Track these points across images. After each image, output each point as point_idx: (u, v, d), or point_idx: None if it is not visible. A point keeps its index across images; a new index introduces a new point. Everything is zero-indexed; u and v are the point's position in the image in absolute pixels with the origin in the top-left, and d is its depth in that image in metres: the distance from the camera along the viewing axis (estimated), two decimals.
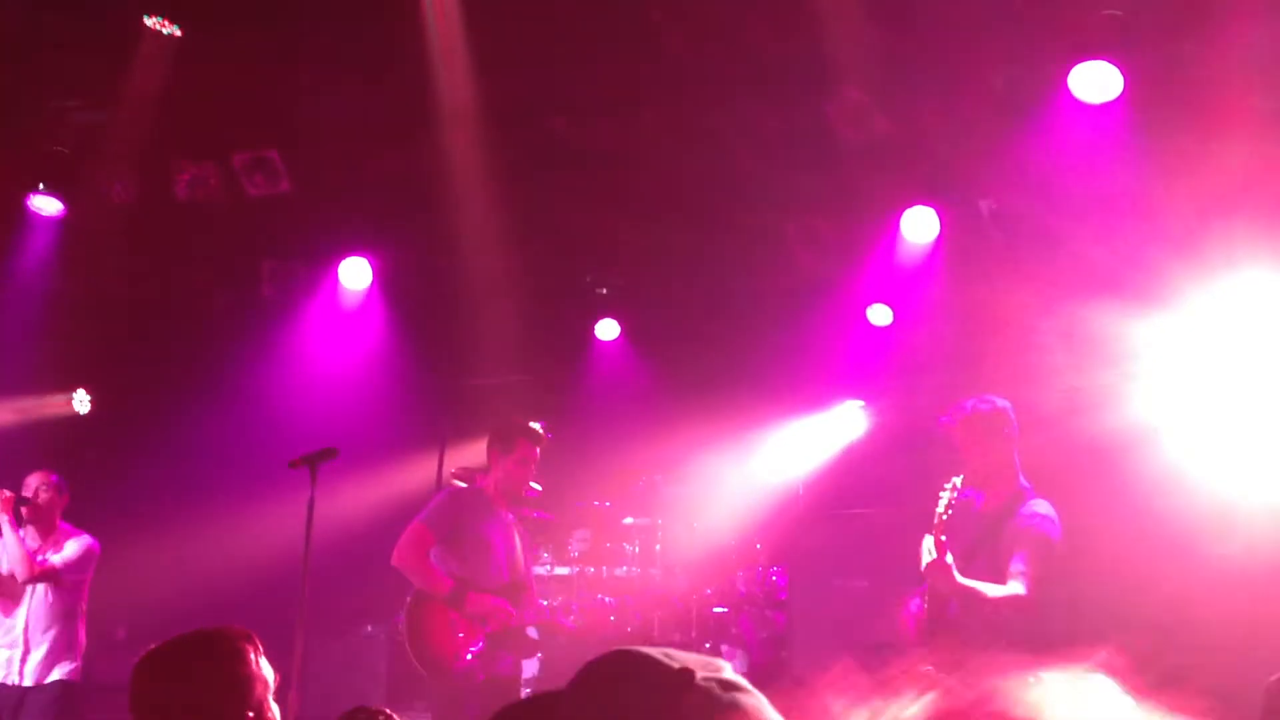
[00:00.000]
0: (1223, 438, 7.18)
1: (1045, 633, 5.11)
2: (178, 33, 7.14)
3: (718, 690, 1.15)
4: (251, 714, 2.59)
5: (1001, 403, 5.41)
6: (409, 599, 6.05)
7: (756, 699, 1.16)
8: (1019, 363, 7.86)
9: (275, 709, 2.67)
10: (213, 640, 2.66)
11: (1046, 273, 7.48)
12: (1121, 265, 7.22)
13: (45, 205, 8.32)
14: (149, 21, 7.10)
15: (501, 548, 6.09)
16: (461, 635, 5.88)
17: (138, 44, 7.24)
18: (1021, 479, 5.33)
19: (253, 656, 2.65)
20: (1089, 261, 7.37)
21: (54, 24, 6.91)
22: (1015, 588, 4.98)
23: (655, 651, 1.18)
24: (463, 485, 8.25)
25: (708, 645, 8.73)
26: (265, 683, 2.66)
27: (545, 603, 6.42)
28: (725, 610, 8.85)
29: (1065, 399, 7.68)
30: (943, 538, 4.95)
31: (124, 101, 7.61)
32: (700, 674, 1.15)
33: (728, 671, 1.17)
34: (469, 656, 5.87)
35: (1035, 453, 7.51)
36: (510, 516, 6.30)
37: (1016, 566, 5.03)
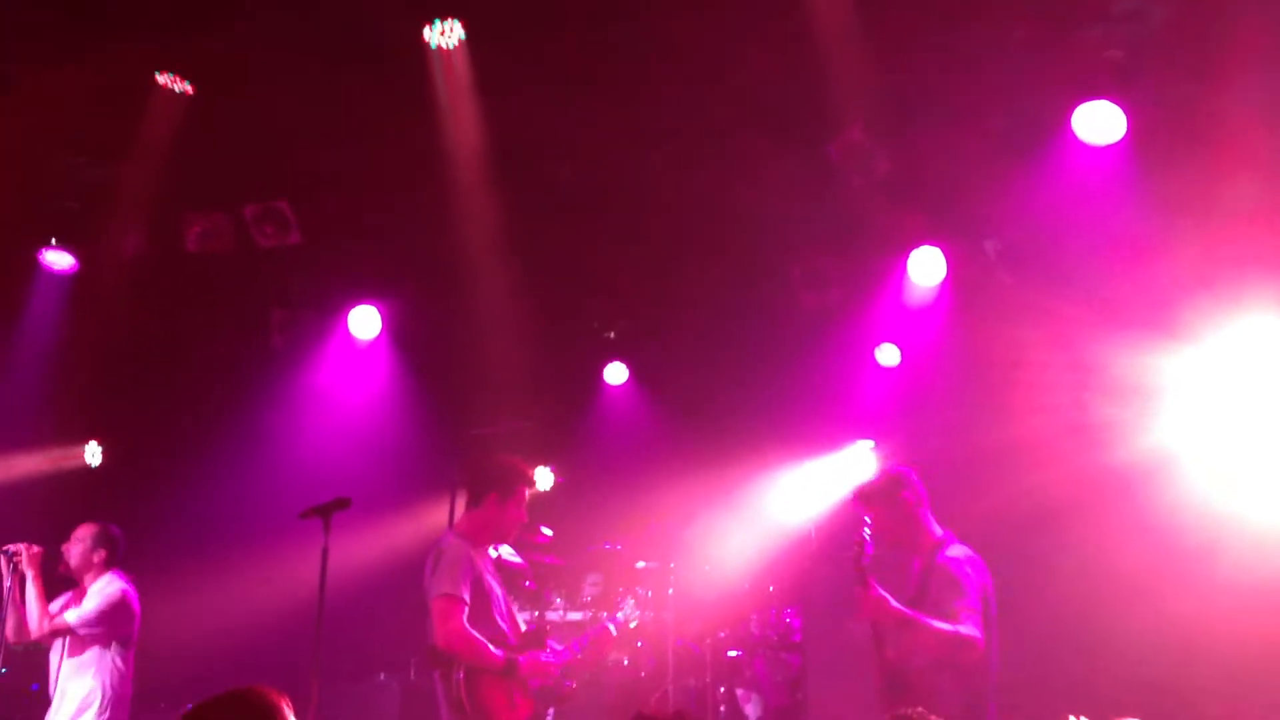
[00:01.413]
0: (1233, 468, 7.18)
1: (1002, 679, 5.20)
2: (189, 90, 7.23)
3: None
4: None
5: (896, 469, 5.75)
6: (456, 672, 5.64)
7: None
8: (1028, 400, 7.87)
9: None
10: (253, 701, 2.67)
11: (1053, 311, 7.51)
12: (1128, 303, 7.24)
13: (57, 260, 8.40)
14: (160, 78, 7.20)
15: (496, 593, 5.97)
16: (519, 702, 5.77)
17: (149, 99, 7.34)
18: (935, 531, 5.50)
19: (289, 714, 2.66)
20: (1095, 300, 7.40)
21: (64, 80, 7.01)
22: (958, 626, 5.08)
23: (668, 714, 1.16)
24: (452, 537, 8.19)
25: (723, 689, 8.68)
26: None
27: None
28: (739, 653, 8.80)
29: (1075, 434, 7.68)
30: (864, 566, 5.17)
31: (135, 155, 7.70)
32: None
33: None
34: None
35: (1048, 488, 7.52)
36: (488, 560, 6.13)
37: (944, 609, 5.16)
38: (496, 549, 6.34)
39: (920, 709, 3.30)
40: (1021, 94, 6.78)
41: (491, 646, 5.65)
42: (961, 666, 5.10)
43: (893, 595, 5.21)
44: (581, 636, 6.30)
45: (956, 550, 5.38)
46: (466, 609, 5.63)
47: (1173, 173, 6.59)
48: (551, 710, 6.09)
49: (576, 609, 9.09)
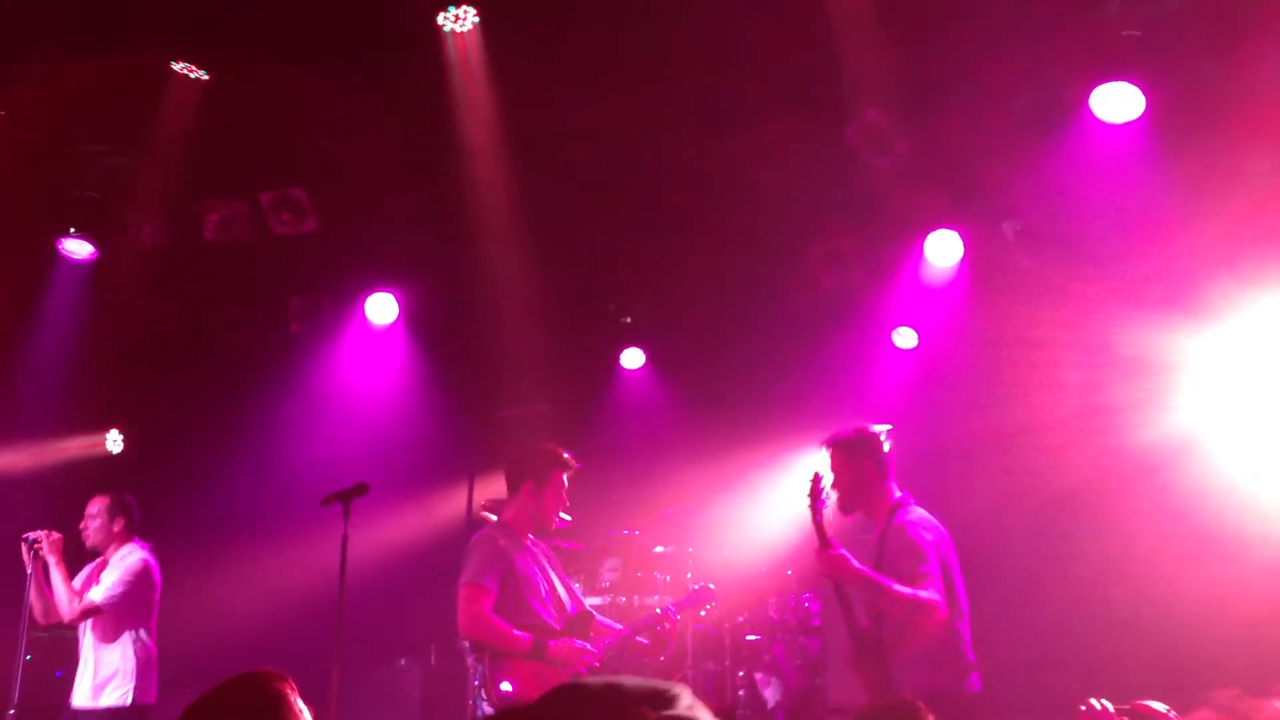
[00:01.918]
0: (1254, 448, 7.15)
1: (1021, 658, 5.14)
2: (205, 77, 7.24)
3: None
4: None
5: (870, 429, 5.65)
6: (487, 659, 5.69)
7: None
8: (1046, 381, 7.84)
9: None
10: (258, 683, 2.67)
11: (1072, 292, 7.47)
12: (1147, 282, 7.20)
13: (76, 248, 8.44)
14: (177, 66, 7.21)
15: (542, 581, 5.96)
16: (548, 682, 5.73)
17: (165, 88, 7.36)
18: (894, 495, 5.41)
19: (294, 699, 2.66)
20: (1114, 280, 7.35)
21: (82, 68, 7.03)
22: (917, 590, 5.02)
23: (599, 683, 1.12)
24: (491, 519, 8.25)
25: (741, 673, 8.69)
26: (304, 718, 2.67)
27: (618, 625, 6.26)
28: (758, 637, 8.81)
29: (1094, 415, 7.65)
30: (819, 522, 5.13)
31: (152, 144, 7.72)
32: (656, 712, 1.10)
33: (684, 704, 1.12)
34: None
35: (1067, 469, 7.51)
36: (541, 546, 6.15)
37: (902, 572, 5.08)
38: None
39: (915, 701, 3.26)
40: (1040, 73, 6.73)
41: (515, 630, 5.64)
42: (925, 631, 5.02)
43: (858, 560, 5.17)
44: (643, 619, 6.27)
45: (914, 514, 5.30)
46: (491, 597, 5.63)
47: (1192, 151, 6.53)
48: None
49: (595, 594, 9.11)
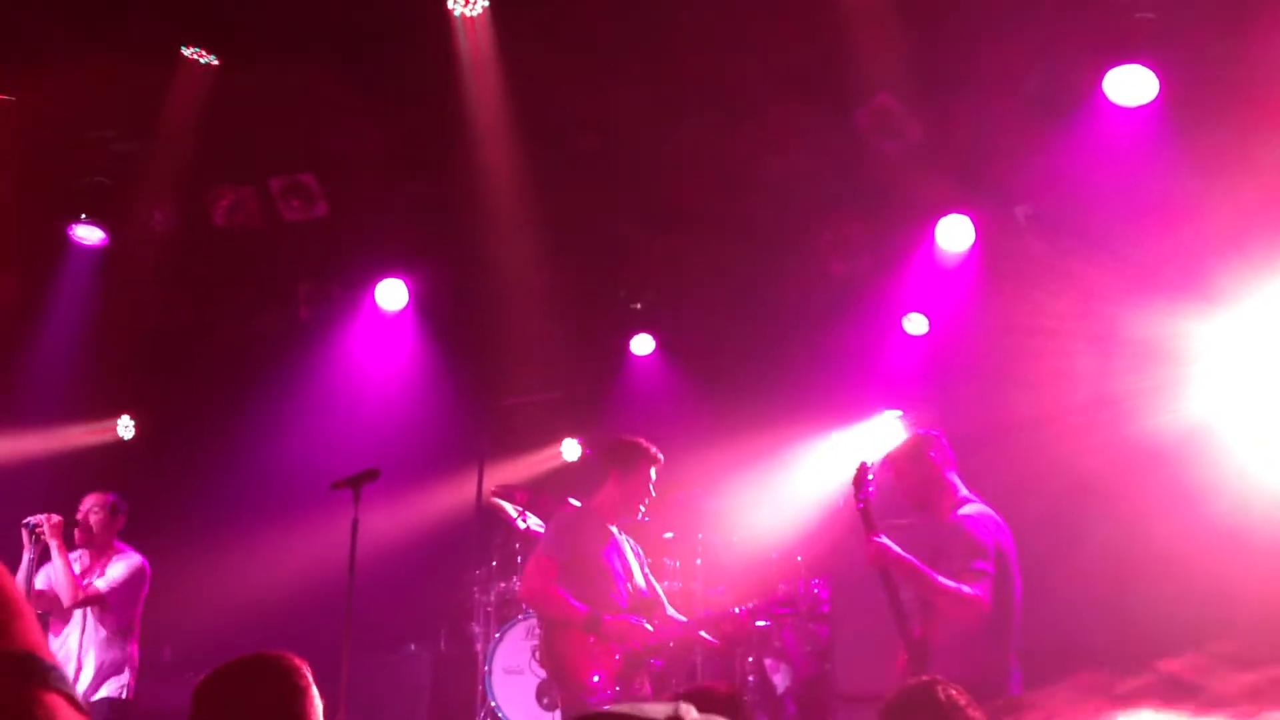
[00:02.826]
0: (1267, 435, 7.10)
1: (1031, 646, 5.15)
2: (215, 62, 7.24)
3: None
4: None
5: (924, 431, 5.75)
6: (543, 627, 6.07)
7: None
8: (1058, 368, 7.80)
9: None
10: (270, 666, 2.67)
11: (1084, 277, 7.43)
12: (1162, 268, 7.15)
13: (87, 235, 8.45)
14: (187, 52, 7.20)
15: (618, 567, 6.14)
16: (601, 658, 5.91)
17: (175, 74, 7.35)
18: (960, 491, 5.46)
19: (308, 683, 2.66)
20: (1127, 265, 7.31)
21: (92, 55, 7.02)
22: (961, 584, 5.04)
23: (627, 708, 1.17)
24: (502, 505, 8.28)
25: (751, 659, 8.69)
26: (320, 706, 2.67)
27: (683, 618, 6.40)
28: (768, 623, 8.80)
29: (1106, 402, 7.61)
30: (868, 513, 5.21)
31: (162, 130, 7.72)
32: None
33: (694, 713, 1.17)
34: (595, 680, 5.87)
35: (1078, 456, 7.47)
36: (623, 535, 6.35)
37: (953, 565, 5.12)
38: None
39: (939, 678, 3.27)
40: (1052, 57, 6.68)
41: (574, 601, 5.86)
42: (965, 626, 5.04)
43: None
44: (705, 614, 6.52)
45: (971, 508, 5.33)
46: (556, 568, 5.94)
47: (1205, 135, 6.48)
48: (648, 682, 6.14)
49: None
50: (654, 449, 6.31)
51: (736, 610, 6.41)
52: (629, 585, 6.14)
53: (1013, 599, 5.22)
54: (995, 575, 5.10)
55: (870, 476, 5.38)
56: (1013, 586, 5.23)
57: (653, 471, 6.28)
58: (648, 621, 6.01)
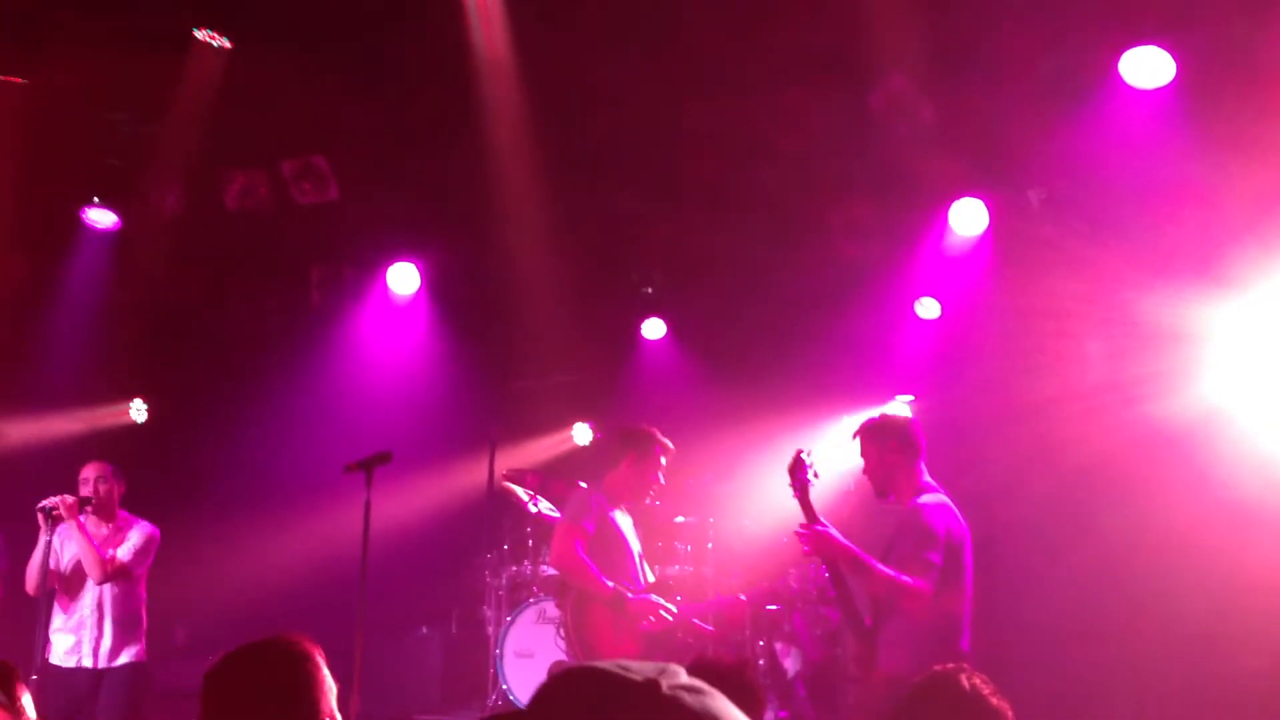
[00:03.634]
0: None
1: (1034, 633, 5.14)
2: (227, 45, 7.22)
3: (686, 697, 1.13)
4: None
5: (894, 417, 5.82)
6: (569, 599, 6.20)
7: (722, 702, 1.15)
8: (1071, 352, 7.77)
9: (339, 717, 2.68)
10: (282, 651, 2.66)
11: (1098, 261, 7.39)
12: (1176, 251, 7.11)
13: (100, 218, 8.46)
14: (199, 34, 7.19)
15: (630, 547, 6.32)
16: (626, 639, 6.04)
17: (187, 56, 7.34)
18: (922, 480, 5.43)
19: (319, 668, 2.66)
20: (1141, 249, 7.27)
21: (104, 37, 7.01)
22: (903, 574, 5.04)
23: (610, 665, 1.16)
24: (514, 489, 8.31)
25: (761, 643, 8.70)
26: (333, 690, 2.67)
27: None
28: (778, 607, 8.80)
29: (1119, 386, 7.58)
30: (802, 499, 5.27)
31: (174, 113, 7.71)
32: (665, 683, 1.13)
33: (684, 676, 1.16)
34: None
35: (1091, 440, 7.45)
36: (629, 518, 6.50)
37: (902, 554, 5.13)
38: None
39: (964, 666, 3.26)
40: (1067, 38, 6.62)
41: (602, 576, 6.04)
42: (906, 614, 5.05)
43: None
44: (708, 603, 6.67)
45: (930, 498, 5.32)
46: (586, 539, 6.16)
47: (1222, 117, 6.43)
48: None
49: None
50: (667, 440, 6.57)
51: (743, 597, 6.50)
52: (637, 565, 6.29)
53: (963, 592, 5.20)
54: (943, 567, 5.09)
55: (809, 464, 5.39)
56: (963, 580, 5.21)
57: (664, 460, 6.53)
58: (667, 603, 6.13)
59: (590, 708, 1.12)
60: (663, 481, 6.58)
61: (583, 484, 7.05)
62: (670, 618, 6.16)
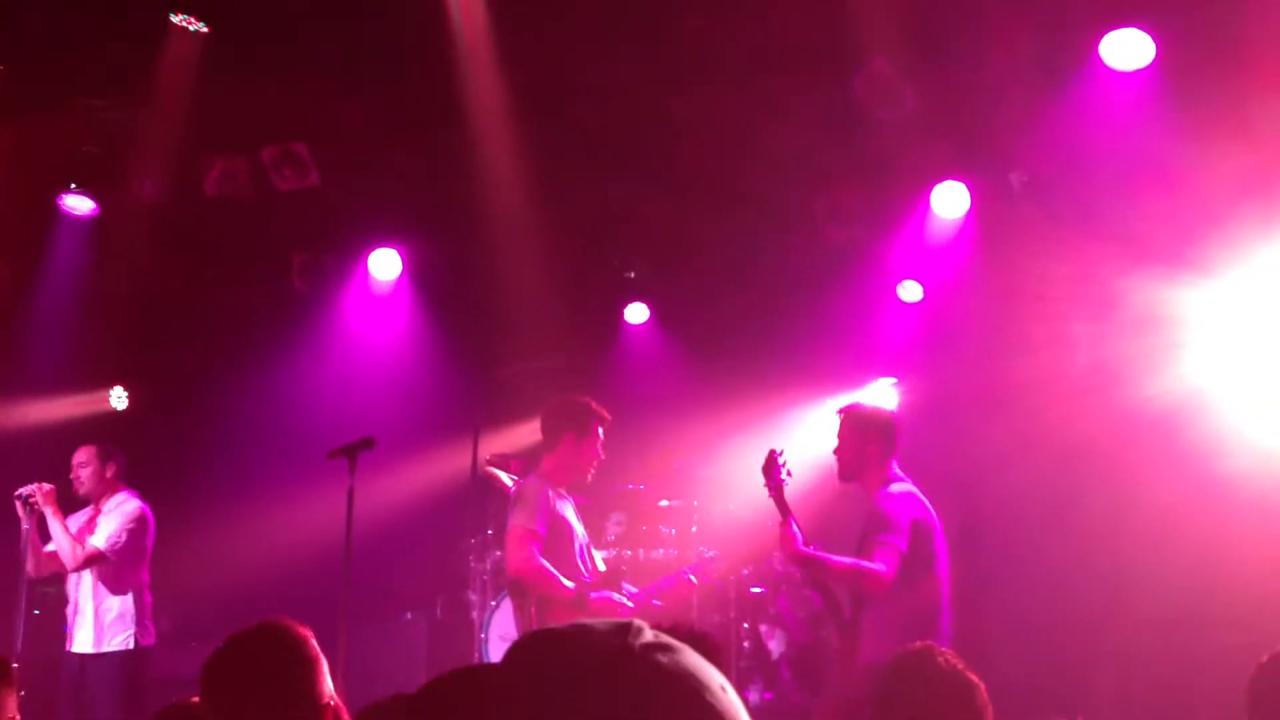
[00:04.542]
0: (1263, 401, 7.12)
1: (1026, 617, 5.22)
2: (205, 30, 7.16)
3: (658, 655, 1.12)
4: (331, 702, 2.62)
5: (880, 409, 5.90)
6: (530, 603, 5.86)
7: (693, 658, 1.13)
8: (1053, 335, 7.80)
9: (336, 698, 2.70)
10: (279, 637, 2.67)
11: (1080, 244, 7.41)
12: (1157, 234, 7.14)
13: (77, 204, 8.39)
14: (176, 19, 7.13)
15: (577, 535, 6.08)
16: None
17: (165, 41, 7.28)
18: (891, 471, 5.51)
19: (316, 652, 2.67)
20: (1123, 231, 7.29)
21: (81, 23, 6.95)
22: (868, 561, 5.13)
23: (574, 628, 1.14)
24: (497, 474, 8.27)
25: (746, 625, 8.73)
26: (328, 677, 2.68)
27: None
28: (763, 590, 8.84)
29: (1101, 368, 7.62)
30: (777, 497, 5.37)
31: (152, 99, 7.65)
32: (636, 643, 1.12)
33: (649, 633, 1.14)
34: None
35: (1074, 423, 7.49)
36: (570, 501, 6.25)
37: (866, 543, 5.24)
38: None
39: (933, 645, 3.28)
40: (1048, 20, 6.63)
41: (563, 579, 5.76)
42: (873, 598, 5.13)
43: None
44: (658, 583, 6.41)
45: (896, 487, 5.40)
46: (541, 542, 5.77)
47: (1202, 99, 6.45)
48: None
49: (600, 548, 9.14)
50: (603, 409, 6.14)
51: (674, 576, 6.41)
52: (586, 551, 6.07)
53: (935, 579, 5.26)
54: (906, 552, 5.16)
55: (783, 463, 5.45)
56: (936, 567, 5.27)
57: (601, 432, 6.11)
58: (616, 595, 5.97)
59: (562, 665, 1.10)
60: (603, 455, 6.14)
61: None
62: (628, 614, 6.03)
